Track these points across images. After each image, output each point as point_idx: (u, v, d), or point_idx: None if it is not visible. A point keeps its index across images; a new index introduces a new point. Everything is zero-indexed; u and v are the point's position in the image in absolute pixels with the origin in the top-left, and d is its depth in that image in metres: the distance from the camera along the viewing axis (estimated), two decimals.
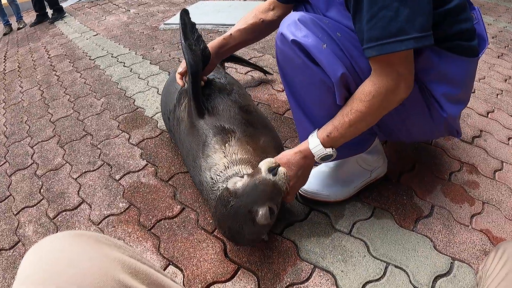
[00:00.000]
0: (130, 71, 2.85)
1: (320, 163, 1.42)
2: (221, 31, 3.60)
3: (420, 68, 1.19)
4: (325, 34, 1.19)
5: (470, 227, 1.42)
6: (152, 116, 2.17)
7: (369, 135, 1.41)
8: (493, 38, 3.48)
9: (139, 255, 0.70)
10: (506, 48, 3.26)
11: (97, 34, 4.03)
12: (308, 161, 1.30)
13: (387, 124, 1.32)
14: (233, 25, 3.55)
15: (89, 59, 3.29)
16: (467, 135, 1.92)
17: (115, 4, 5.34)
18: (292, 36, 1.19)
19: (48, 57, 3.62)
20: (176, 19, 4.05)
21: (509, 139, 1.94)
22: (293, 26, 1.21)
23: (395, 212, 1.47)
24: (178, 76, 1.64)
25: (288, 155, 1.29)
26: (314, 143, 1.27)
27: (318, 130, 1.27)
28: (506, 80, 2.60)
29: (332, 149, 1.26)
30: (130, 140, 1.98)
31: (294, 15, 1.22)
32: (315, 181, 1.51)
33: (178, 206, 1.55)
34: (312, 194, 1.50)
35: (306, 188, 1.50)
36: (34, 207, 1.68)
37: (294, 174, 1.28)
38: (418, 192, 1.57)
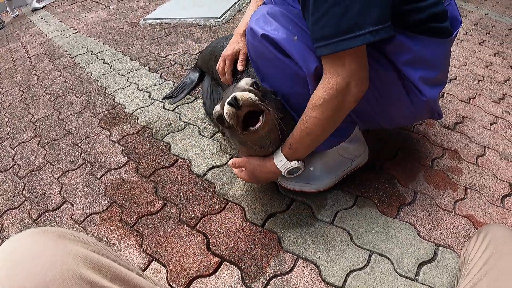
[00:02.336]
0: (110, 68, 2.83)
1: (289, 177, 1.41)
2: (201, 25, 3.58)
3: (394, 54, 1.18)
4: (295, 26, 1.17)
5: (453, 213, 1.43)
6: (132, 112, 2.16)
7: (349, 123, 1.39)
8: (474, 25, 3.51)
9: (105, 249, 0.71)
10: (487, 35, 3.28)
11: (76, 32, 3.98)
12: (274, 176, 1.34)
13: (367, 113, 1.31)
14: (214, 18, 3.54)
15: (69, 57, 3.25)
16: (449, 121, 1.93)
17: (94, 1, 5.28)
18: (261, 31, 1.18)
19: (28, 57, 3.57)
20: (156, 14, 4.03)
21: (491, 124, 1.96)
22: (262, 20, 1.20)
23: (378, 200, 1.48)
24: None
25: (255, 164, 1.32)
26: (278, 158, 1.28)
27: (282, 144, 1.27)
28: (487, 67, 2.62)
29: (298, 161, 1.27)
30: (111, 137, 1.97)
31: (262, 9, 1.21)
32: None
33: (160, 202, 1.54)
34: (294, 185, 1.51)
35: (287, 180, 1.50)
36: (17, 208, 1.67)
37: (252, 179, 1.36)
38: (401, 179, 1.57)
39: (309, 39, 1.14)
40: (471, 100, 2.16)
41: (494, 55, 2.84)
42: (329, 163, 1.50)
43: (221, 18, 3.67)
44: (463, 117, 1.99)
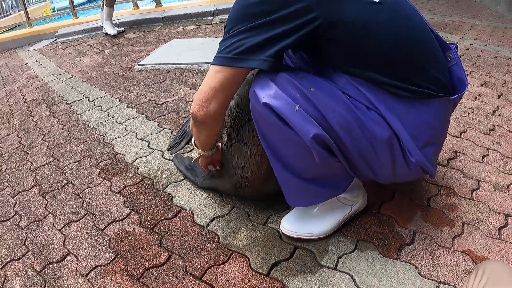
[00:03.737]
0: (108, 115, 2.89)
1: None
2: (195, 70, 3.67)
3: (390, 116, 1.24)
4: (298, 92, 1.23)
5: (452, 249, 1.48)
6: (132, 162, 2.21)
7: (346, 176, 1.45)
8: (461, 56, 3.61)
9: None
10: (474, 65, 3.40)
11: (72, 77, 4.05)
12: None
13: (354, 164, 1.35)
14: (208, 63, 3.64)
15: (66, 103, 3.31)
16: (442, 158, 2.01)
17: (89, 45, 5.38)
18: (263, 99, 1.23)
19: (24, 102, 3.63)
20: (150, 59, 4.12)
21: (483, 157, 2.04)
22: (265, 86, 1.25)
23: (378, 243, 1.53)
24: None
25: None
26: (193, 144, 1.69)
27: None
28: (476, 98, 2.73)
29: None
30: (112, 188, 2.01)
31: (267, 74, 1.27)
32: (297, 221, 1.57)
33: (165, 254, 1.58)
34: (296, 233, 1.55)
35: (289, 228, 1.56)
36: (20, 260, 1.69)
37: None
38: (399, 220, 1.63)
39: (311, 105, 1.22)
40: (463, 134, 2.25)
41: (482, 85, 2.95)
42: (330, 210, 1.56)
43: None
44: (455, 152, 2.07)
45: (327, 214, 1.56)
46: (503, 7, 6.02)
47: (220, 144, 1.74)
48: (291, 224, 1.57)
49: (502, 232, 1.56)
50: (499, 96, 2.84)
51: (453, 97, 1.29)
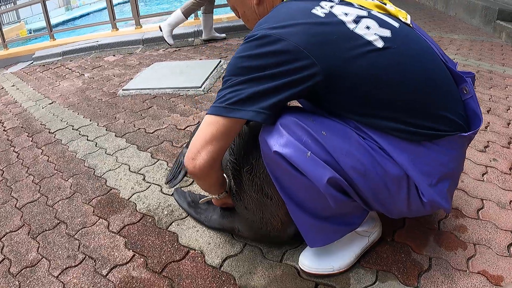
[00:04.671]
0: (95, 145, 2.76)
1: None
2: (182, 95, 3.58)
3: (399, 158, 1.21)
4: (309, 137, 1.19)
5: (468, 271, 1.48)
6: (128, 198, 2.09)
7: (362, 211, 1.41)
8: None
9: None
10: None
11: (52, 102, 3.91)
12: None
13: (368, 202, 1.30)
14: (195, 87, 3.56)
15: (49, 132, 3.17)
16: None
17: (68, 68, 5.22)
18: (274, 147, 1.19)
19: (3, 130, 3.46)
20: (134, 84, 4.00)
21: (483, 175, 2.06)
22: (275, 132, 1.21)
23: (398, 272, 1.50)
24: None
25: None
26: None
27: None
28: None
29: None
30: (110, 228, 1.89)
31: (277, 120, 1.23)
32: (316, 256, 1.52)
33: None
34: (316, 269, 1.50)
35: (308, 264, 1.51)
36: None
37: None
38: (414, 247, 1.61)
39: (323, 150, 1.17)
40: None
41: None
42: (348, 243, 1.52)
43: (202, 87, 3.68)
44: None
45: (346, 248, 1.53)
46: (478, 20, 6.13)
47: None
48: (310, 260, 1.52)
49: (511, 249, 1.59)
50: (488, 111, 2.87)
51: (466, 134, 1.24)
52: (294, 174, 1.20)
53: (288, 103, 1.28)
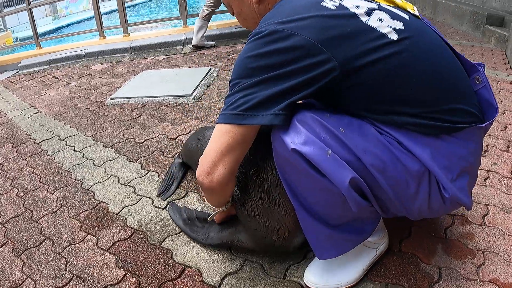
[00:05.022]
0: (83, 156, 2.66)
1: None
2: (172, 103, 3.49)
3: (419, 152, 1.14)
4: (328, 133, 1.10)
5: (478, 280, 1.45)
6: (118, 212, 1.98)
7: (373, 219, 1.35)
8: None
9: None
10: None
11: (38, 112, 3.80)
12: None
13: (386, 204, 1.24)
14: (186, 95, 3.48)
15: (34, 142, 3.06)
16: None
17: (54, 77, 5.11)
18: (292, 144, 1.10)
19: None
20: (122, 92, 3.91)
21: (485, 179, 2.04)
22: (292, 129, 1.12)
23: (408, 284, 1.44)
24: None
25: None
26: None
27: None
28: None
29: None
30: (99, 245, 1.78)
31: (293, 116, 1.15)
32: (323, 271, 1.44)
33: None
34: (323, 285, 1.42)
35: (314, 281, 1.43)
36: None
37: None
38: (422, 257, 1.56)
39: (344, 147, 1.10)
40: None
41: None
42: (355, 256, 1.45)
43: (193, 95, 3.60)
44: None
45: (353, 261, 1.45)
46: (467, 25, 6.15)
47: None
48: (316, 276, 1.44)
49: None
50: None
51: (484, 125, 1.18)
52: (311, 174, 1.11)
53: None
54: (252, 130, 1.15)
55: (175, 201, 1.99)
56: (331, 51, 1.06)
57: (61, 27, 16.50)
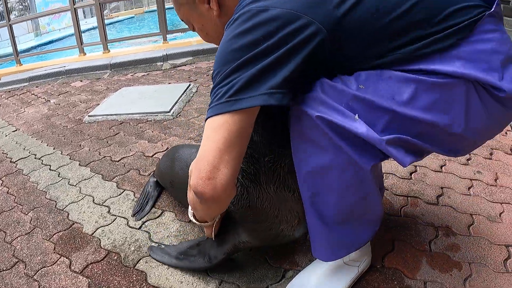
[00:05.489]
0: (58, 175, 2.63)
1: None
2: (150, 120, 3.48)
3: (449, 68, 1.04)
4: (348, 98, 1.06)
5: None
6: (92, 233, 1.96)
7: (373, 225, 1.34)
8: None
9: None
10: None
11: (16, 130, 3.76)
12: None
13: (431, 139, 1.13)
14: (164, 112, 3.46)
15: (10, 161, 3.02)
16: (431, 196, 1.99)
17: (33, 94, 5.07)
18: (316, 113, 1.05)
19: None
20: (101, 109, 3.89)
21: (469, 188, 2.04)
22: (312, 99, 1.08)
23: None
24: None
25: None
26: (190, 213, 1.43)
27: None
28: None
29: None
30: (72, 267, 1.75)
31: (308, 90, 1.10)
32: None
33: None
34: None
35: None
36: None
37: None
38: (406, 272, 1.54)
39: (369, 105, 1.05)
40: (443, 167, 2.24)
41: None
42: (335, 275, 1.42)
43: (171, 112, 3.59)
44: (442, 188, 2.05)
45: (333, 280, 1.42)
46: None
47: None
48: None
49: (507, 264, 1.55)
50: None
51: (493, 9, 1.07)
52: (337, 145, 1.06)
53: None
54: (247, 117, 1.02)
55: (153, 245, 1.85)
56: (310, 14, 1.00)
57: (43, 44, 16.38)
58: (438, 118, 1.04)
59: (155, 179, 2.27)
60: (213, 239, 1.52)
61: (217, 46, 1.24)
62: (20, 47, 7.23)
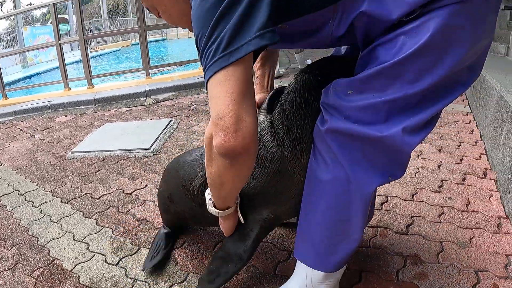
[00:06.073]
0: (40, 212, 2.75)
1: None
2: (131, 157, 3.61)
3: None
4: (342, 110, 1.19)
5: None
6: (71, 269, 2.07)
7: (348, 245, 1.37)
8: None
9: None
10: None
11: (1, 165, 3.87)
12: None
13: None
14: (144, 149, 3.57)
15: None
16: (401, 226, 2.05)
17: (19, 129, 5.20)
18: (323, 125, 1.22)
19: None
20: (84, 146, 4.02)
21: (439, 216, 2.10)
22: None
23: None
24: None
25: None
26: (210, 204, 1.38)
27: None
28: (418, 156, 2.89)
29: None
30: None
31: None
32: None
33: None
34: None
35: None
36: None
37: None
38: None
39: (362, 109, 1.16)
40: (414, 196, 2.33)
41: (421, 142, 3.07)
42: None
43: (151, 148, 3.73)
44: (412, 217, 2.12)
45: None
46: None
47: None
48: None
49: None
50: (439, 150, 3.02)
51: None
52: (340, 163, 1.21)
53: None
54: (246, 65, 1.01)
55: (127, 257, 2.04)
56: None
57: (30, 76, 16.44)
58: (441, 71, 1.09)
59: (166, 231, 2.17)
60: (242, 221, 1.47)
61: (181, 27, 1.33)
62: (7, 78, 7.36)
